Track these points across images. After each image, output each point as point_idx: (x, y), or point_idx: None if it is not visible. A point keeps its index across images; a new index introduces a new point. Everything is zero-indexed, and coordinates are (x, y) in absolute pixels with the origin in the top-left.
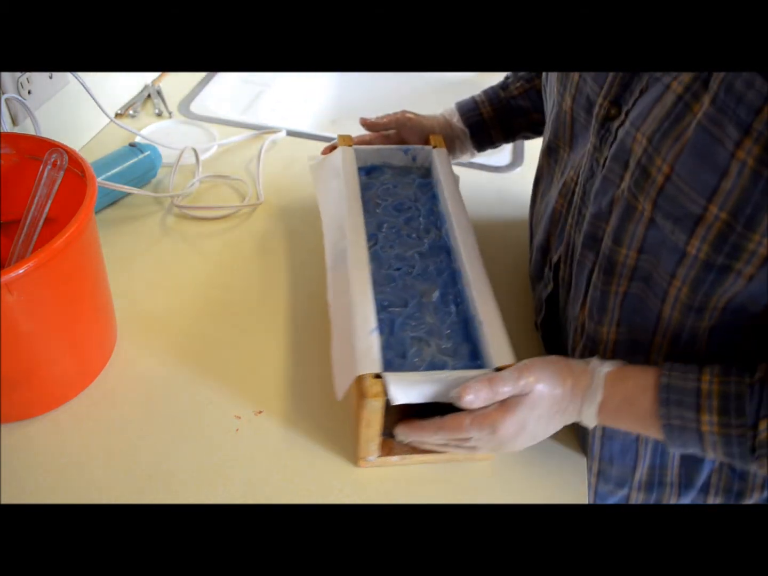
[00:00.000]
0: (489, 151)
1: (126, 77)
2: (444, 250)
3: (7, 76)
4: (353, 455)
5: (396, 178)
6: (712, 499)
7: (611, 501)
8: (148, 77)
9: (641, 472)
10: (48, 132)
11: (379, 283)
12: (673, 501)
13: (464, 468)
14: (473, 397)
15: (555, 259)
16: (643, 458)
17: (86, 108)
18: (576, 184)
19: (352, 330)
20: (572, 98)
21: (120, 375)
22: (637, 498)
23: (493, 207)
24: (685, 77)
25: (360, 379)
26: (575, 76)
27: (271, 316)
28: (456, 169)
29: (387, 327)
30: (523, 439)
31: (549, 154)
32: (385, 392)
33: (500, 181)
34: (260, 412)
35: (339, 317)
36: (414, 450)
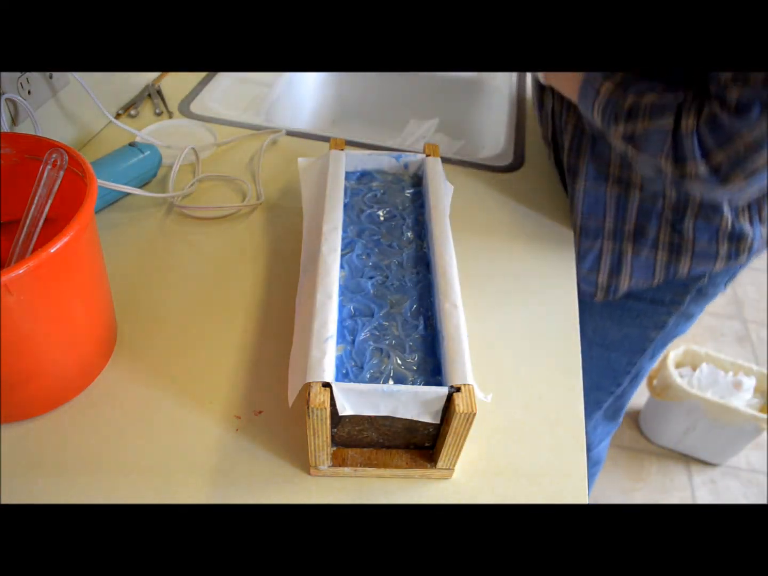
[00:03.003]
0: (489, 151)
1: (126, 77)
2: (423, 262)
3: (7, 76)
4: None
5: (386, 185)
6: (660, 254)
7: (590, 257)
8: (148, 77)
9: (609, 221)
10: (48, 132)
11: (350, 290)
12: (630, 254)
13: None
14: None
15: None
16: (609, 208)
17: (86, 108)
18: None
19: (309, 336)
20: None
21: (120, 375)
22: (607, 247)
23: (493, 207)
24: None
25: (308, 387)
26: None
27: (272, 316)
28: (457, 169)
29: (350, 336)
30: None
31: None
32: (333, 402)
33: (500, 181)
34: (260, 412)
35: (301, 322)
36: (368, 462)
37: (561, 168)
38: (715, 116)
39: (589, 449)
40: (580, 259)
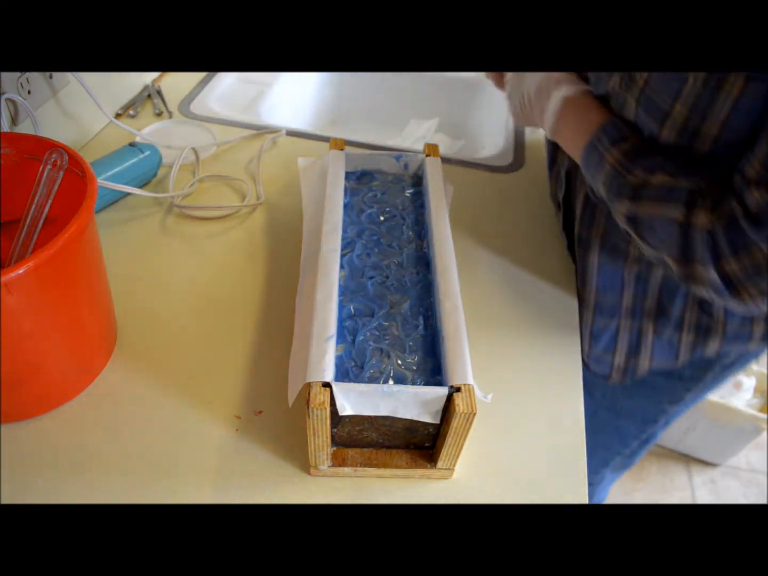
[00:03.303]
0: (489, 151)
1: (126, 77)
2: (423, 262)
3: (7, 76)
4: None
5: (386, 185)
6: (686, 336)
7: (605, 337)
8: (148, 77)
9: (627, 298)
10: (48, 132)
11: (349, 290)
12: (650, 334)
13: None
14: None
15: None
16: (628, 285)
17: (86, 108)
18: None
19: (309, 336)
20: None
21: (120, 375)
22: (625, 325)
23: (493, 207)
24: None
25: (308, 387)
26: None
27: (272, 315)
28: (457, 169)
29: (350, 336)
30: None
31: None
32: (333, 402)
33: (500, 181)
34: (260, 412)
35: (301, 322)
36: (368, 462)
37: (571, 234)
38: (733, 217)
39: (591, 495)
40: (592, 338)
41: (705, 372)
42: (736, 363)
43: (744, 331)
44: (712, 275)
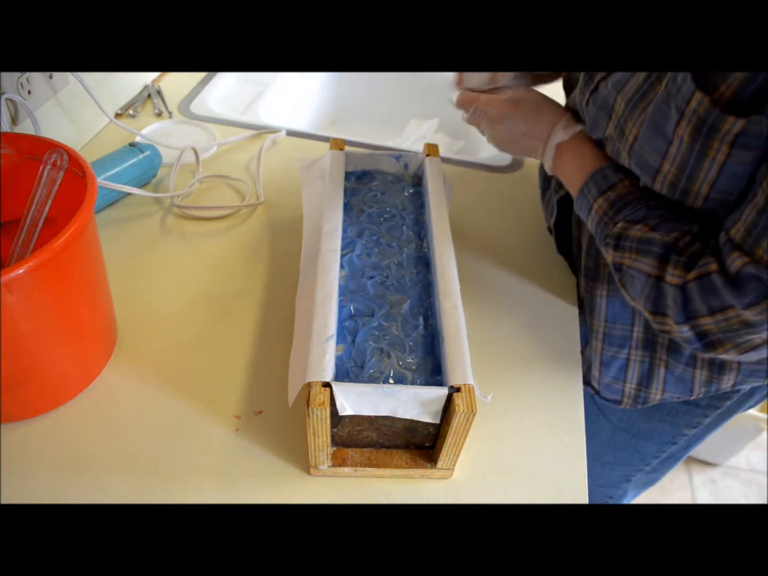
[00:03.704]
0: (489, 151)
1: (126, 77)
2: (423, 262)
3: (7, 76)
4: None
5: (385, 184)
6: (699, 371)
7: (615, 366)
8: (148, 77)
9: (638, 330)
10: (48, 132)
11: (349, 290)
12: (662, 370)
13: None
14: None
15: None
16: (638, 317)
17: (86, 108)
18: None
19: (309, 336)
20: None
21: (120, 375)
22: (635, 356)
23: (493, 207)
24: None
25: (308, 387)
26: None
27: (272, 315)
28: (457, 169)
29: (350, 336)
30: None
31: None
32: (333, 402)
33: (500, 181)
34: (260, 412)
35: (301, 322)
36: (368, 462)
37: (568, 256)
38: (709, 276)
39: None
40: (602, 366)
41: (722, 401)
42: (756, 393)
43: (760, 367)
44: (684, 329)
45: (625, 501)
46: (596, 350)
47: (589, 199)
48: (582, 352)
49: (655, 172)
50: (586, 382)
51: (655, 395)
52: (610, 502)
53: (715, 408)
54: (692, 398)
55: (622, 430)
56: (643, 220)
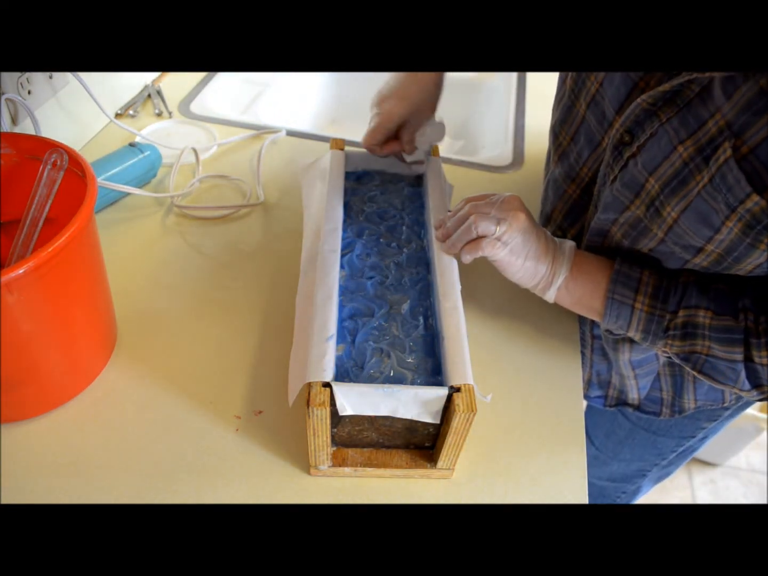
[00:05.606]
0: (489, 151)
1: (126, 77)
2: (423, 262)
3: (7, 76)
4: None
5: (386, 184)
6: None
7: (647, 382)
8: (148, 77)
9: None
10: (48, 132)
11: (349, 291)
12: (692, 378)
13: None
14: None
15: (569, 236)
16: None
17: (86, 108)
18: (590, 180)
19: (309, 336)
20: (587, 105)
21: (120, 375)
22: (664, 372)
23: None
24: (690, 147)
25: (308, 387)
26: (592, 88)
27: (272, 315)
28: (456, 169)
29: (350, 336)
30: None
31: (552, 133)
32: (333, 402)
33: (500, 181)
34: (260, 412)
35: (301, 322)
36: (368, 462)
37: None
38: None
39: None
40: (639, 388)
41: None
42: None
43: None
44: None
45: (639, 496)
46: (629, 377)
47: (627, 302)
48: (608, 382)
49: (697, 251)
50: (622, 403)
51: (689, 404)
52: (623, 497)
53: (737, 399)
54: (725, 405)
55: (641, 428)
56: (699, 305)
